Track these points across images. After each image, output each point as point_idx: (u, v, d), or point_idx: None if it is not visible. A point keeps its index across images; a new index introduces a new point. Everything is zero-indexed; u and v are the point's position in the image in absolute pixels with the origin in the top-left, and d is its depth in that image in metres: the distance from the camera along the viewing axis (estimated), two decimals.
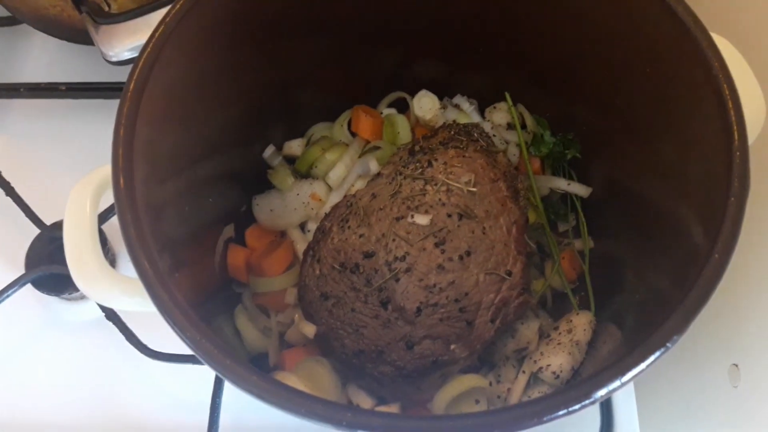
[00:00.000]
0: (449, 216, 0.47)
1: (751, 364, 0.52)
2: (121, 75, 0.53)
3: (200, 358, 0.32)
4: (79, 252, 0.37)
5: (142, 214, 0.36)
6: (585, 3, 0.44)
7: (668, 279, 0.41)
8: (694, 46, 0.36)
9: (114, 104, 0.37)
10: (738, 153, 0.33)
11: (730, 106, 0.34)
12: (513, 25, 0.51)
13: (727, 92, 0.34)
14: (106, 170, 0.37)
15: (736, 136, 0.34)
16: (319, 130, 0.59)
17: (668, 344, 0.30)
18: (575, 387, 0.29)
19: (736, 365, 0.52)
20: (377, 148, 0.56)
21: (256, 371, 0.31)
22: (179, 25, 0.41)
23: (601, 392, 0.29)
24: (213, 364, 0.32)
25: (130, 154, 0.37)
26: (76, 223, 0.37)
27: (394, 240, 0.46)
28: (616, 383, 0.30)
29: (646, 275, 0.46)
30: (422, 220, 0.47)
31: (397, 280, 0.45)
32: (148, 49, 0.39)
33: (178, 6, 0.41)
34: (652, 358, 0.30)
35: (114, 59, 0.53)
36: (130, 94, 0.37)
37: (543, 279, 0.53)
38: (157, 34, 0.40)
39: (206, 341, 0.32)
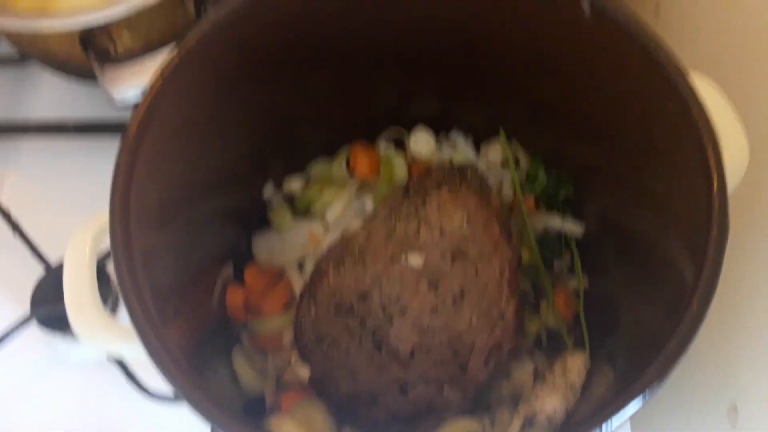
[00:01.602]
0: (442, 257, 0.47)
1: (750, 404, 0.51)
2: (128, 112, 0.55)
3: (192, 409, 0.33)
4: (78, 300, 0.38)
5: (139, 264, 0.37)
6: (573, 49, 0.45)
7: (662, 318, 0.41)
8: (674, 90, 0.37)
9: None
10: (717, 199, 0.34)
11: (710, 153, 0.34)
12: (506, 62, 0.52)
13: (705, 139, 0.35)
14: (106, 218, 0.38)
15: (715, 183, 0.34)
16: (318, 166, 0.60)
17: (646, 394, 0.30)
18: None
19: (735, 406, 0.52)
20: (374, 186, 0.57)
21: (247, 424, 0.32)
22: (181, 69, 0.42)
23: None
24: (205, 416, 0.32)
25: (127, 201, 0.38)
26: (75, 270, 0.38)
27: (388, 281, 0.47)
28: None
29: (641, 314, 0.46)
30: (416, 260, 0.48)
31: (391, 323, 0.46)
32: (149, 96, 0.40)
33: (180, 50, 0.42)
34: (630, 408, 0.30)
35: (119, 99, 0.55)
36: (130, 141, 0.38)
37: (538, 318, 0.53)
38: (158, 80, 0.41)
39: (197, 393, 0.32)
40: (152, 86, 0.40)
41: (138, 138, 0.39)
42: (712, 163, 0.34)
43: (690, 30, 0.67)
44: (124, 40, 0.57)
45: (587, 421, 0.30)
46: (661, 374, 0.31)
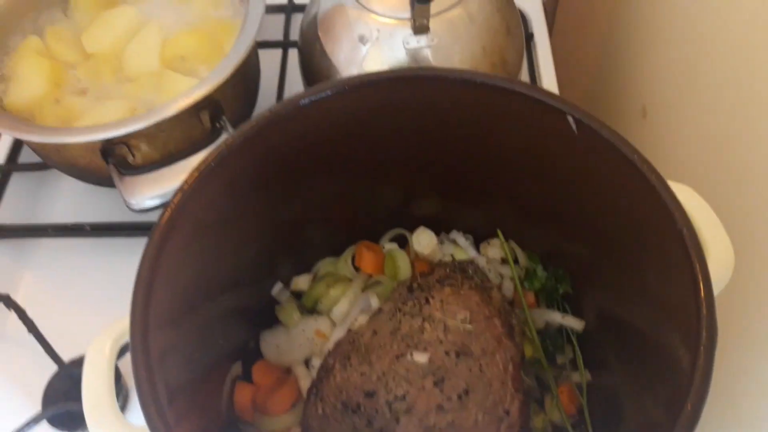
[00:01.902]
0: (447, 354, 0.49)
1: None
2: (144, 215, 0.58)
3: None
4: (97, 402, 0.39)
5: (155, 362, 0.38)
6: (564, 159, 0.49)
7: (663, 411, 0.42)
8: (657, 199, 0.40)
9: (135, 242, 0.41)
10: (704, 304, 0.36)
11: (695, 261, 0.37)
12: (502, 169, 0.55)
13: (689, 245, 0.37)
14: (124, 324, 0.40)
15: (702, 289, 0.36)
16: (325, 265, 0.62)
17: None
18: None
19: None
20: (379, 283, 0.59)
21: None
22: (200, 184, 0.45)
23: None
24: None
25: (147, 306, 0.40)
26: (95, 373, 0.40)
27: (394, 379, 0.48)
28: None
29: (642, 407, 0.47)
30: (421, 358, 0.49)
31: (398, 422, 0.46)
32: (170, 210, 0.43)
33: (199, 166, 0.45)
34: None
35: (136, 207, 0.58)
36: (150, 254, 0.41)
37: (543, 413, 0.54)
38: (178, 194, 0.44)
39: None
40: (173, 200, 0.43)
41: (159, 248, 0.41)
42: (697, 269, 0.37)
43: (675, 129, 0.72)
44: (143, 151, 0.60)
45: None
46: None
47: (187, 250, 0.45)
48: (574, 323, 0.56)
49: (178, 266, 0.44)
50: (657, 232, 0.42)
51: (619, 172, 0.44)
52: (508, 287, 0.58)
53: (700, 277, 0.36)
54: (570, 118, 0.46)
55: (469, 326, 0.50)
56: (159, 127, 0.58)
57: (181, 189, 0.44)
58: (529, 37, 0.82)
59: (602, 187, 0.47)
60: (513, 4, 0.70)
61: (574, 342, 0.55)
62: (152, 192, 0.58)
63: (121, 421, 0.39)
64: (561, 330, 0.57)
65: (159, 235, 0.42)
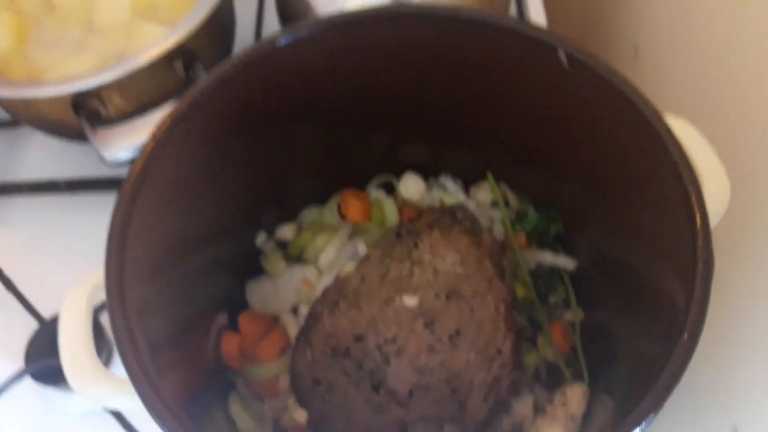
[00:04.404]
0: (437, 296, 0.48)
1: (750, 426, 0.52)
2: (119, 169, 0.56)
3: None
4: (75, 355, 0.38)
5: (134, 316, 0.37)
6: (555, 96, 0.47)
7: (658, 347, 0.42)
8: (651, 131, 0.38)
9: (112, 198, 0.39)
10: (701, 235, 0.35)
11: (690, 190, 0.36)
12: (491, 109, 0.53)
13: (685, 177, 0.36)
14: (100, 274, 0.38)
15: (698, 221, 0.35)
16: (310, 214, 0.61)
17: (642, 425, 0.31)
18: None
19: (736, 428, 0.52)
20: (366, 230, 0.57)
21: None
22: (173, 131, 0.43)
23: None
24: None
25: (122, 258, 0.38)
26: (71, 326, 0.39)
27: (384, 322, 0.47)
28: None
29: (637, 344, 0.47)
30: (410, 301, 0.48)
31: (388, 363, 0.46)
32: (143, 158, 0.41)
33: (172, 113, 0.43)
34: None
35: (110, 160, 0.56)
36: (124, 200, 0.39)
37: (536, 352, 0.53)
38: (151, 142, 0.42)
39: None
40: (145, 148, 0.41)
41: (132, 198, 0.39)
42: (693, 200, 0.36)
43: (667, 69, 0.70)
44: (115, 103, 0.58)
45: None
46: (655, 404, 0.31)
47: (162, 201, 0.43)
48: (566, 263, 0.55)
49: (154, 218, 0.42)
50: (651, 166, 0.40)
51: (612, 107, 0.42)
52: (498, 230, 0.57)
53: (696, 208, 0.35)
54: (561, 52, 0.44)
55: (459, 269, 0.49)
56: (131, 78, 0.56)
57: (153, 136, 0.42)
58: None
59: (594, 124, 0.46)
60: None
61: (567, 281, 0.55)
62: (126, 143, 0.55)
63: (102, 372, 0.38)
64: (553, 270, 0.56)
65: (131, 184, 0.40)
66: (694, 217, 0.35)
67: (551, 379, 0.53)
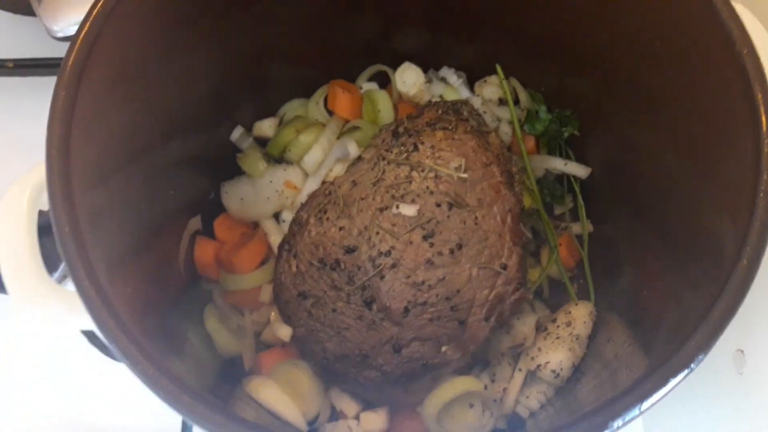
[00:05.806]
0: (438, 205, 0.42)
1: (756, 350, 0.49)
2: None
3: (151, 390, 0.28)
4: (16, 266, 0.32)
5: (84, 223, 0.31)
6: None
7: (682, 274, 0.37)
8: (714, 20, 0.32)
9: None
10: (766, 141, 0.29)
11: (757, 89, 0.30)
12: None
13: (752, 74, 0.30)
14: (43, 169, 0.32)
15: (764, 124, 0.29)
16: (292, 108, 0.54)
17: (692, 365, 0.26)
18: (590, 416, 0.26)
19: (742, 351, 0.50)
20: (357, 128, 0.51)
21: (207, 405, 0.27)
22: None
23: (618, 422, 0.26)
24: (171, 403, 0.28)
25: (66, 153, 0.32)
26: (11, 232, 0.32)
27: (377, 233, 0.42)
28: (635, 411, 0.26)
29: (652, 265, 0.42)
30: (408, 210, 0.43)
31: (382, 278, 0.41)
32: (85, 31, 0.34)
33: None
34: (674, 382, 0.26)
35: (59, 34, 0.48)
36: (65, 83, 0.32)
37: (539, 267, 0.49)
38: (100, 4, 0.34)
39: (152, 367, 0.28)
40: (92, 11, 0.34)
41: (75, 79, 0.32)
42: (759, 100, 0.29)
43: None
44: None
45: (619, 402, 0.26)
46: (708, 342, 0.27)
47: (115, 80, 0.36)
48: (578, 170, 0.50)
49: (105, 102, 0.35)
50: (703, 57, 0.34)
51: None
52: (505, 131, 0.51)
53: (762, 109, 0.29)
54: None
55: (463, 174, 0.43)
56: None
57: (101, 3, 0.34)
58: None
59: (633, 7, 0.39)
60: None
61: (578, 191, 0.50)
62: (77, 15, 0.46)
63: (47, 282, 0.32)
64: (561, 179, 0.51)
65: (74, 62, 0.33)
66: (759, 120, 0.30)
67: (554, 297, 0.49)
